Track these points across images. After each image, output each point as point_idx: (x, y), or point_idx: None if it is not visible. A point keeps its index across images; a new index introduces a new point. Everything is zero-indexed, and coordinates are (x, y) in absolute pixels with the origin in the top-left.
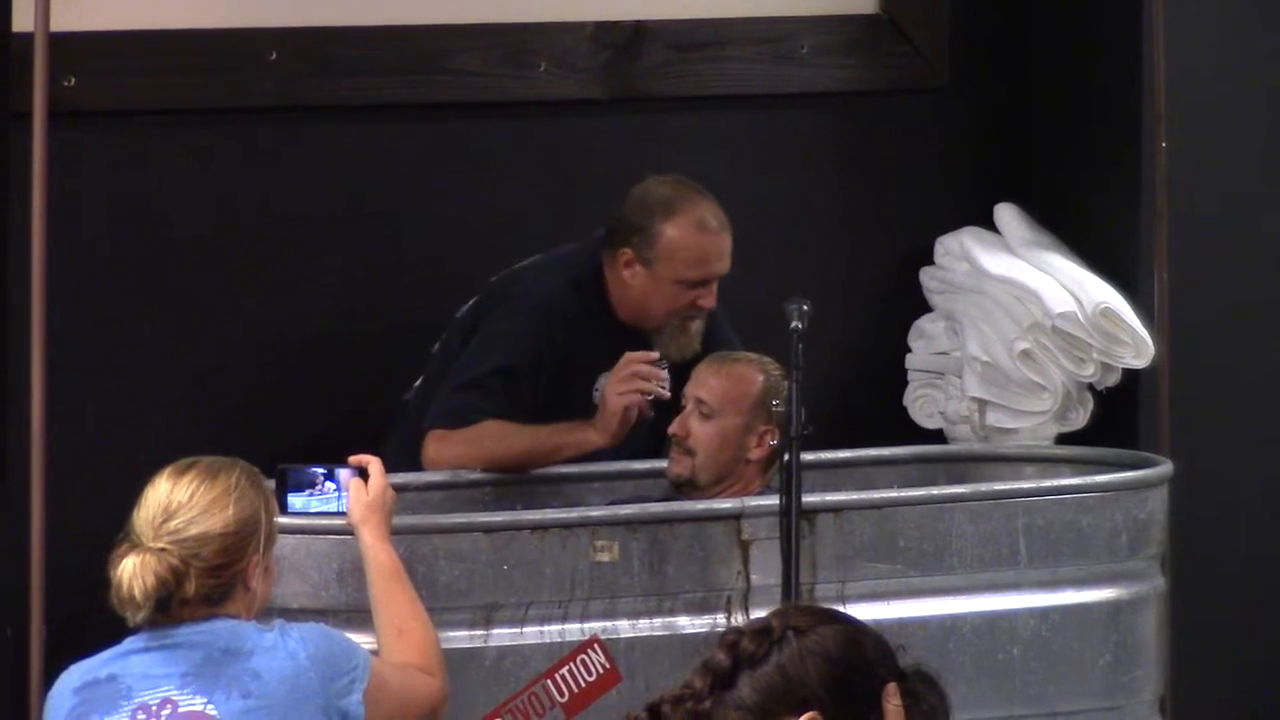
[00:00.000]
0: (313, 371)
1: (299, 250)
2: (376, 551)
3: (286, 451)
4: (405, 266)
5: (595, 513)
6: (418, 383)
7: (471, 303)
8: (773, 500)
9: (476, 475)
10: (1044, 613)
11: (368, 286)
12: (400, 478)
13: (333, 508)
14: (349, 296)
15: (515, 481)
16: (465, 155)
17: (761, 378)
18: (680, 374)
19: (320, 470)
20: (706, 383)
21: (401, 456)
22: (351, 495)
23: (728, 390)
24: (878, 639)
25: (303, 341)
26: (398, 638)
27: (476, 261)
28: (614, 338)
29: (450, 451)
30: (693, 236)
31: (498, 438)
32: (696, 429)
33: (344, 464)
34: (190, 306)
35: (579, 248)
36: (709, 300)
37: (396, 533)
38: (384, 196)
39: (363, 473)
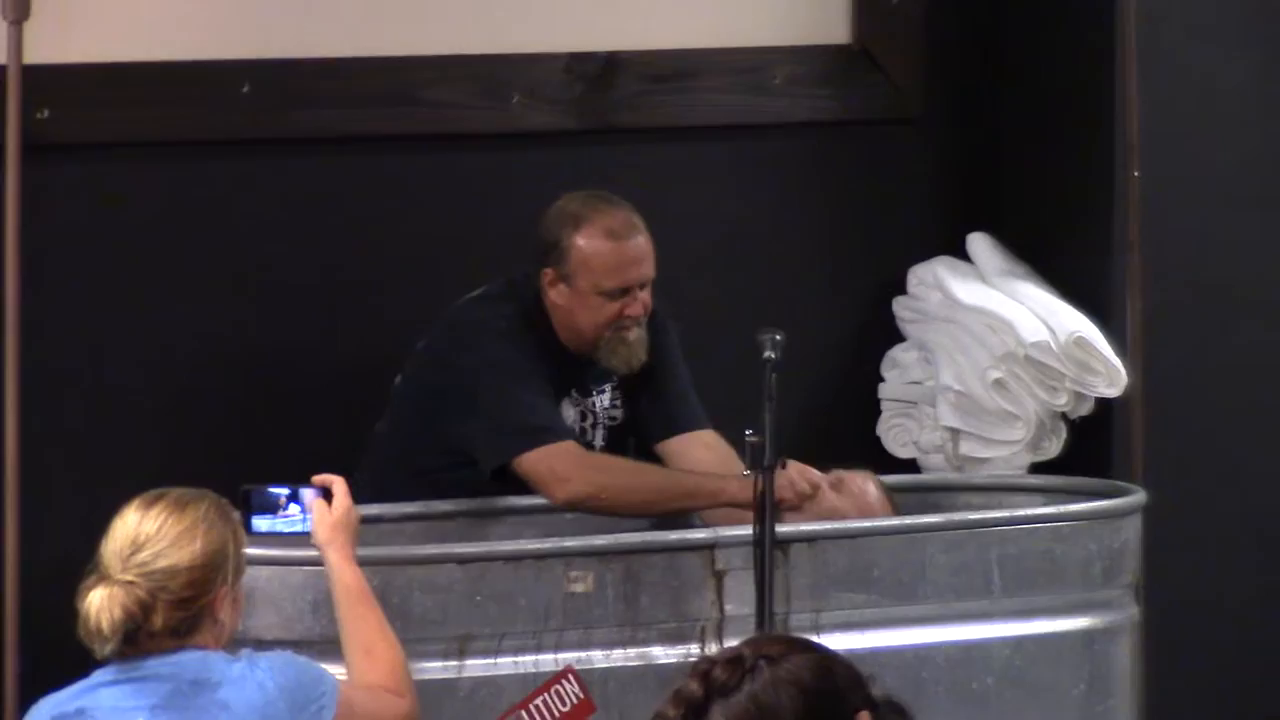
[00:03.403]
0: (285, 399)
1: (273, 282)
2: (342, 572)
3: (258, 475)
4: (379, 297)
5: (569, 543)
6: (386, 415)
7: (426, 342)
8: (746, 530)
9: (449, 506)
10: (1018, 642)
11: (341, 317)
12: (374, 509)
13: (298, 528)
14: (322, 327)
15: (487, 513)
16: (439, 187)
17: None
18: (629, 384)
19: (284, 491)
20: None
21: (371, 487)
22: (315, 516)
23: None
24: (849, 667)
25: (275, 371)
26: (365, 658)
27: (451, 292)
28: (561, 362)
29: (586, 476)
30: (603, 245)
31: (634, 471)
32: None
33: (308, 484)
34: (163, 338)
35: (510, 279)
36: (636, 308)
37: (370, 564)
38: (357, 228)
39: (326, 493)
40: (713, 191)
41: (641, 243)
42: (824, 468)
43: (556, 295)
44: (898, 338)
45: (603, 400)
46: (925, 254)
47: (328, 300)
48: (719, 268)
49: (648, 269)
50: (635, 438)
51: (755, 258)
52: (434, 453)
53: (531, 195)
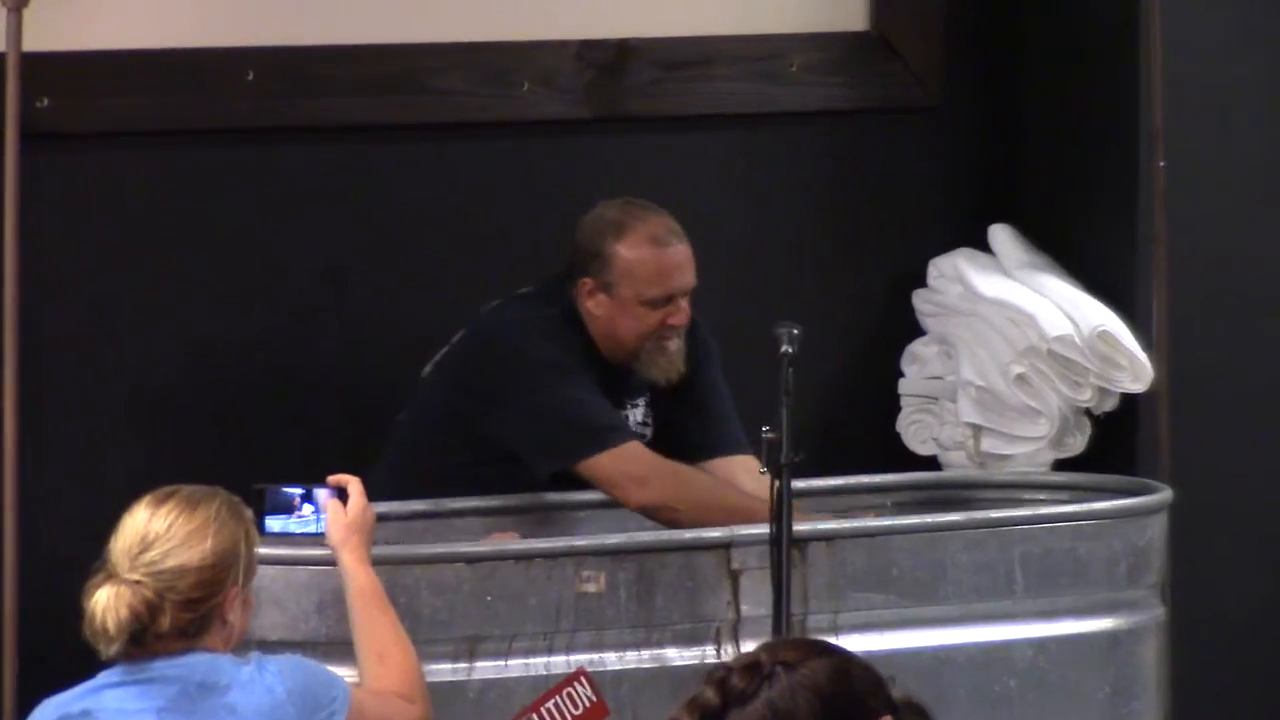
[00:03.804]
0: (292, 393)
1: (277, 272)
2: (356, 574)
3: (265, 472)
4: (385, 288)
5: (581, 542)
6: (410, 405)
7: (463, 337)
8: (762, 529)
9: (459, 504)
10: (1041, 643)
11: (347, 309)
12: (381, 507)
13: (311, 529)
14: (329, 319)
15: (498, 511)
16: (446, 176)
17: None
18: (667, 396)
19: (298, 491)
20: None
21: (390, 479)
22: (330, 516)
23: None
24: (868, 670)
25: (281, 364)
26: (378, 663)
27: (457, 283)
28: (599, 372)
29: (664, 482)
30: (647, 253)
31: (708, 487)
32: None
33: (322, 484)
34: (166, 329)
35: (542, 288)
36: (679, 317)
37: (377, 563)
38: (363, 218)
39: (341, 493)
40: (727, 182)
41: (683, 250)
42: (842, 467)
43: (595, 306)
44: (917, 332)
45: (636, 414)
46: (945, 246)
47: (334, 291)
48: (733, 260)
49: (690, 276)
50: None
51: (770, 250)
52: (459, 449)
53: (541, 185)
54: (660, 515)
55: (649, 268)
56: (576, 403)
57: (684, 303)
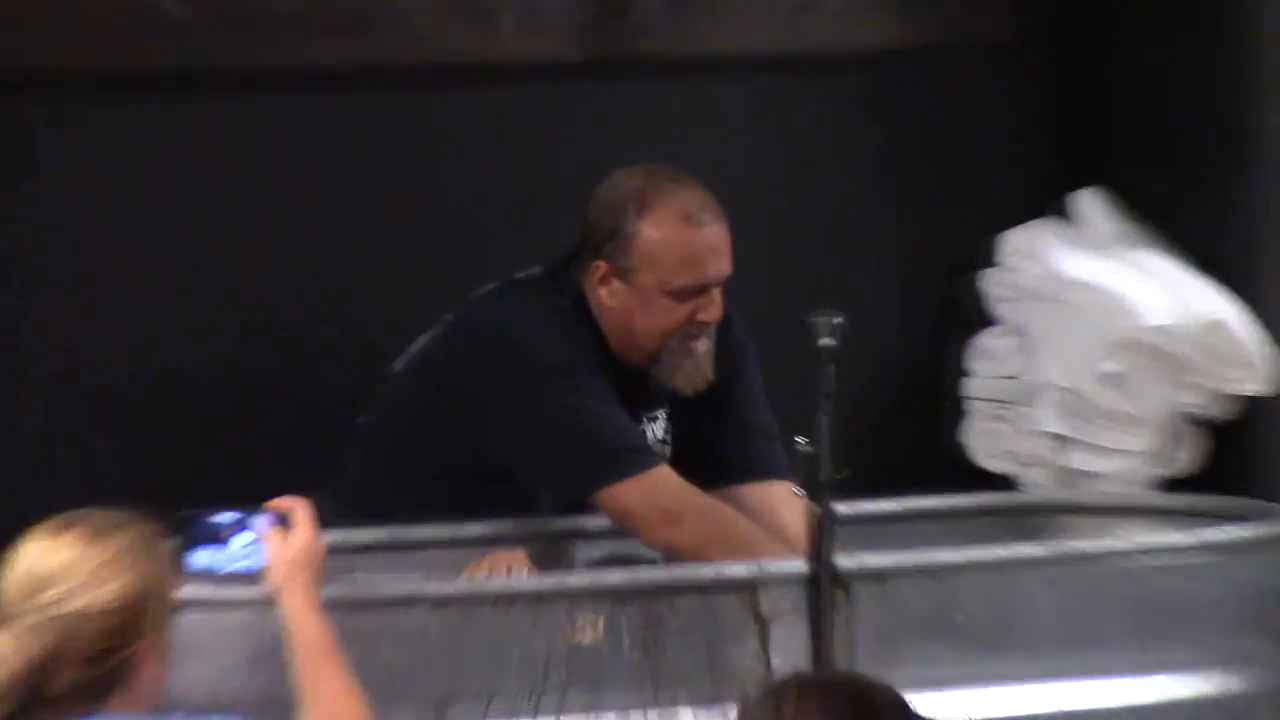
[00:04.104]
0: (230, 392)
1: (213, 245)
2: (303, 621)
3: (199, 495)
4: (342, 263)
5: (574, 581)
6: (375, 406)
7: (445, 329)
8: (798, 564)
9: (425, 533)
10: (1142, 710)
11: (297, 288)
12: (334, 536)
13: (246, 565)
14: (274, 301)
15: (476, 541)
16: (412, 129)
17: None
18: (691, 408)
19: (231, 518)
20: None
21: (347, 503)
22: (270, 549)
23: None
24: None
25: (219, 357)
26: None
27: (428, 258)
28: (613, 378)
29: (699, 522)
30: (677, 233)
31: (746, 532)
32: None
33: (260, 509)
34: (83, 314)
35: (545, 271)
36: (711, 312)
37: (327, 606)
38: (314, 179)
39: (284, 521)
40: (749, 138)
41: (719, 231)
42: (895, 487)
43: (609, 295)
44: (987, 321)
45: (655, 429)
46: (1020, 217)
47: (280, 265)
48: (759, 235)
49: (726, 263)
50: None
51: (805, 222)
52: (437, 466)
53: (524, 141)
54: (683, 557)
55: (677, 251)
56: (594, 416)
57: (717, 294)
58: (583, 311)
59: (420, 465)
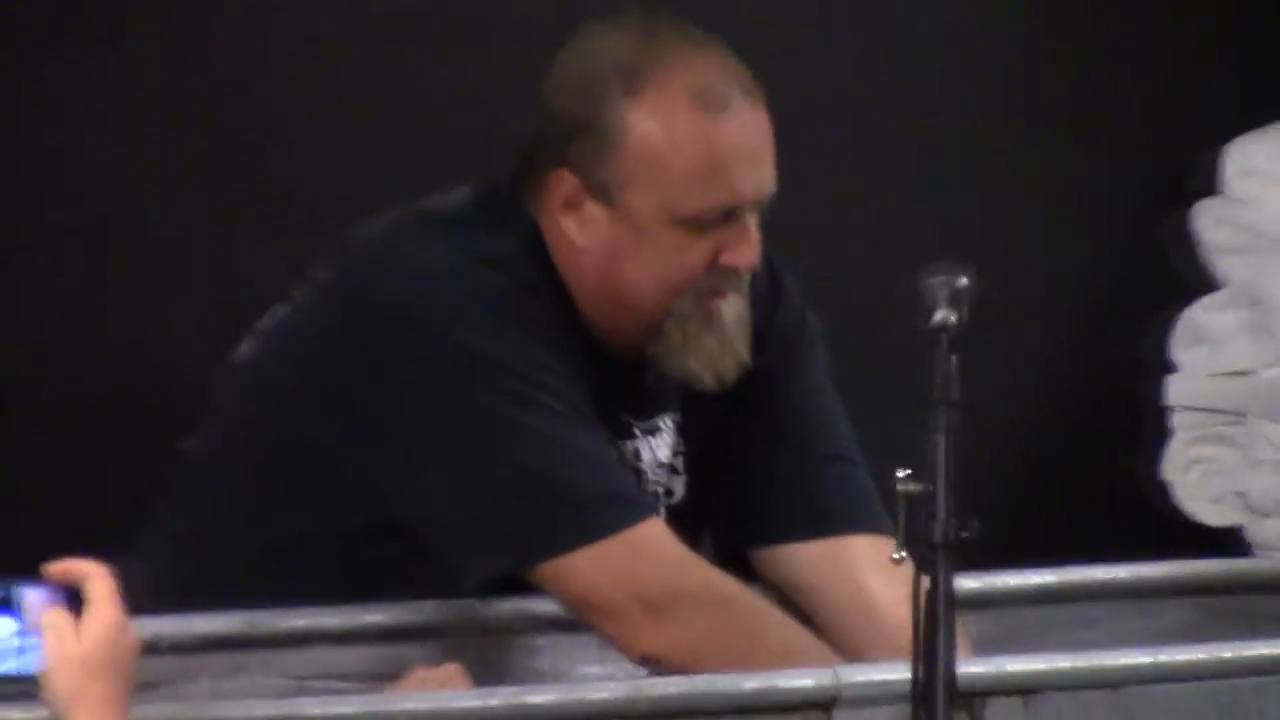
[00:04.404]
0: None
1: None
2: None
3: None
4: (183, 199)
5: (538, 699)
6: (208, 426)
7: (316, 298)
8: (895, 670)
9: (302, 620)
10: None
11: (119, 244)
12: (152, 624)
13: (13, 667)
14: (92, 267)
15: (377, 634)
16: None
17: None
18: (716, 411)
19: None
20: None
21: (172, 568)
22: (51, 644)
23: None
24: None
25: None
26: None
27: (341, 192)
28: (587, 363)
29: (703, 622)
30: (688, 124)
31: (785, 639)
32: None
33: (37, 580)
34: None
35: (477, 194)
36: (745, 252)
37: None
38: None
39: (73, 598)
40: (847, 39)
41: (756, 120)
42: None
43: (580, 227)
44: (1199, 281)
45: (656, 447)
46: (1243, 125)
47: (98, 212)
48: (850, 166)
49: (768, 174)
50: (720, 533)
51: (918, 147)
52: (306, 510)
53: (498, 31)
54: (673, 670)
55: (690, 153)
56: (547, 442)
57: (753, 225)
58: (536, 257)
59: (279, 515)
